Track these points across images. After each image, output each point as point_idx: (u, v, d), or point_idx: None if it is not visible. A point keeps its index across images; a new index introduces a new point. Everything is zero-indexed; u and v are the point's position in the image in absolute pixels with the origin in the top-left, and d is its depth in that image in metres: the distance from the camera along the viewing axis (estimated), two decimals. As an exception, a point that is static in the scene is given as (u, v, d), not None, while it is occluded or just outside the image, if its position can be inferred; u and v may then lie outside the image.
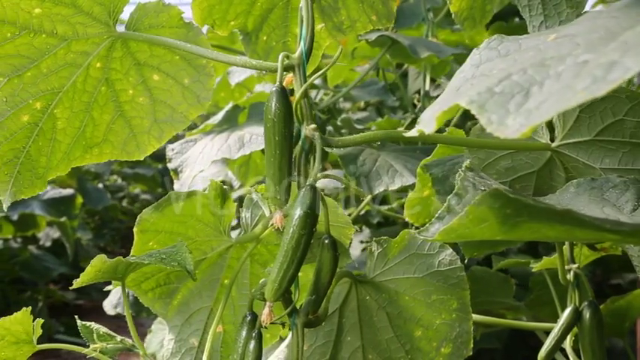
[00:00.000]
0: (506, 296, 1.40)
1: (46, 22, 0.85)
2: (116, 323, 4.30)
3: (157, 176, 6.05)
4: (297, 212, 0.76)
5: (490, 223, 0.56)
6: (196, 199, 1.00)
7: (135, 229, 0.97)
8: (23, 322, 0.80)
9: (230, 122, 1.62)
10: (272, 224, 0.82)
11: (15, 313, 0.81)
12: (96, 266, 0.81)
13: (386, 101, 2.66)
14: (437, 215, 0.63)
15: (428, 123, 0.53)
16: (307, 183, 0.78)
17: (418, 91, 2.50)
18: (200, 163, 1.49)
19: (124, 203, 6.49)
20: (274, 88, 0.80)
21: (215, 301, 1.10)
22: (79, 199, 3.35)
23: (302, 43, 0.82)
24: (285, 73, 0.82)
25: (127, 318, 0.85)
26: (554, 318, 1.44)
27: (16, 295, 3.67)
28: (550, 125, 0.87)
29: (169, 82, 0.96)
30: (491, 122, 0.43)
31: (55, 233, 4.02)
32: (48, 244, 3.94)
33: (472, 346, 1.00)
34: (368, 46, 1.83)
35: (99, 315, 4.43)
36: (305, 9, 0.82)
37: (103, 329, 0.85)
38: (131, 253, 0.98)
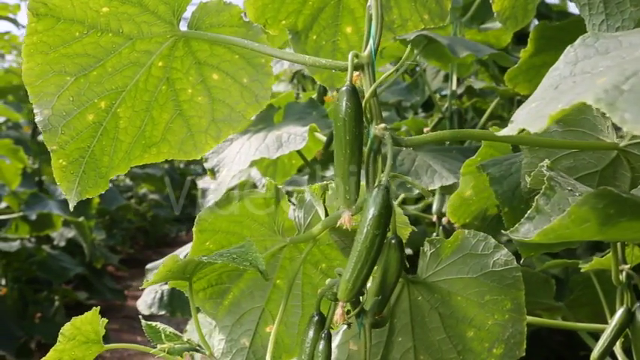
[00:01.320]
0: (547, 297, 1.40)
1: (112, 21, 0.85)
2: (128, 323, 4.31)
3: (163, 176, 6.06)
4: (371, 212, 0.76)
5: (591, 224, 0.56)
6: (254, 199, 1.00)
7: (194, 229, 0.97)
8: (92, 322, 0.80)
9: (265, 122, 1.61)
10: (340, 224, 0.82)
11: (86, 313, 0.81)
12: (168, 266, 0.80)
13: (403, 101, 2.66)
14: (527, 215, 0.63)
15: (533, 122, 0.53)
16: (379, 183, 0.78)
17: (436, 91, 2.50)
18: (238, 162, 1.49)
19: (132, 203, 6.51)
20: (345, 88, 0.80)
21: (267, 301, 1.09)
22: (96, 199, 3.35)
23: (371, 41, 0.82)
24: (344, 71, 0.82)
25: (193, 318, 0.85)
26: (593, 319, 1.44)
27: (33, 294, 3.67)
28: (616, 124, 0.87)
29: (228, 81, 0.96)
30: (625, 120, 0.43)
31: (70, 233, 4.02)
32: (62, 243, 3.93)
33: (525, 346, 0.99)
34: (395, 45, 1.82)
35: (111, 315, 4.44)
36: (375, 7, 0.82)
37: (169, 329, 0.85)
38: (189, 254, 0.98)
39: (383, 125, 0.81)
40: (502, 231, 0.73)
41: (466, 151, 1.55)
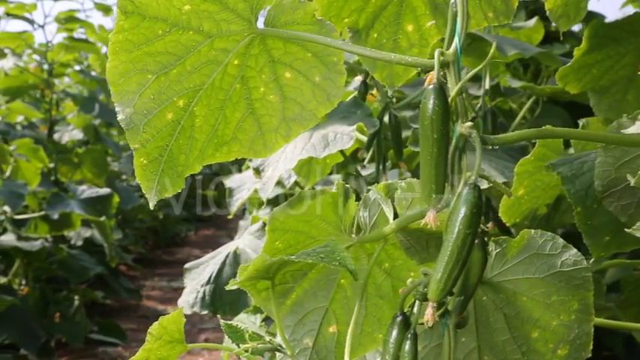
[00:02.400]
0: (598, 297, 1.39)
1: (193, 19, 0.85)
2: (145, 323, 4.32)
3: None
4: (463, 211, 0.76)
5: None
6: (323, 198, 0.99)
7: (267, 228, 0.97)
8: (177, 321, 0.79)
9: (309, 121, 1.60)
10: (425, 223, 0.81)
11: (171, 312, 0.81)
12: (256, 265, 0.80)
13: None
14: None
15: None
16: (470, 182, 0.78)
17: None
18: (284, 162, 1.48)
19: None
20: (432, 86, 0.80)
21: (331, 301, 1.09)
22: (116, 199, 3.35)
23: (456, 38, 0.82)
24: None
25: (275, 318, 0.85)
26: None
27: (52, 294, 3.66)
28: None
29: (300, 79, 0.96)
30: None
31: (87, 232, 4.02)
32: (79, 243, 3.93)
33: (591, 348, 0.99)
34: (437, 45, 1.81)
35: (127, 314, 4.44)
36: (460, 4, 0.81)
37: (251, 329, 0.84)
38: (261, 253, 0.98)
39: (469, 123, 0.80)
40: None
41: (510, 151, 1.55)
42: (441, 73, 0.81)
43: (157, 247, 6.81)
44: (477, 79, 2.08)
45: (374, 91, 1.69)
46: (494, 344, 1.04)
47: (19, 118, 4.15)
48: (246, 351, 0.80)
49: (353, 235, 1.04)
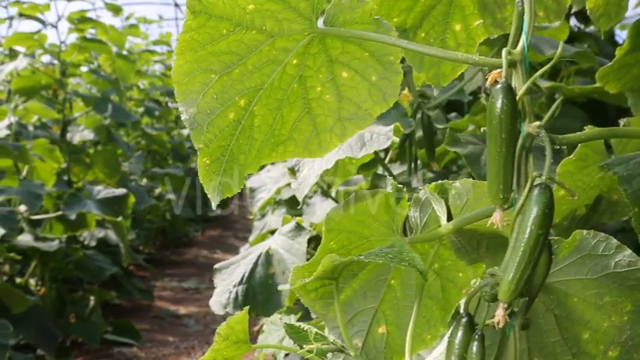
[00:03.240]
0: None
1: (257, 19, 0.84)
2: (158, 323, 4.31)
3: (184, 176, 6.05)
4: (535, 212, 0.75)
5: None
6: (377, 198, 0.99)
7: (323, 229, 0.96)
8: (242, 322, 0.79)
9: (342, 121, 1.60)
10: (491, 223, 0.81)
11: (237, 313, 0.80)
12: (325, 266, 0.80)
13: (445, 101, 2.65)
14: None
15: None
16: (541, 182, 0.77)
17: (474, 92, 2.48)
18: (319, 162, 1.48)
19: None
20: (500, 85, 0.79)
21: (381, 302, 1.08)
22: (132, 199, 3.34)
23: (524, 37, 0.81)
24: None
25: (338, 319, 0.84)
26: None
27: (68, 294, 3.66)
28: None
29: (357, 79, 0.95)
30: None
31: (100, 233, 4.01)
32: (93, 243, 3.92)
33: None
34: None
35: (140, 315, 4.44)
36: (527, 2, 0.81)
37: (314, 329, 0.84)
38: (316, 254, 0.97)
39: (537, 123, 0.80)
40: None
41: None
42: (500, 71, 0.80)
43: (164, 248, 6.81)
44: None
45: (405, 91, 1.69)
46: (544, 345, 1.03)
47: (32, 118, 4.14)
48: (311, 352, 0.79)
49: (406, 236, 1.04)
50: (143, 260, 5.49)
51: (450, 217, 1.00)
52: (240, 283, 1.62)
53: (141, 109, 6.07)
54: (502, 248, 1.11)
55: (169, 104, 7.44)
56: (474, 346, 0.80)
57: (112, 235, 4.08)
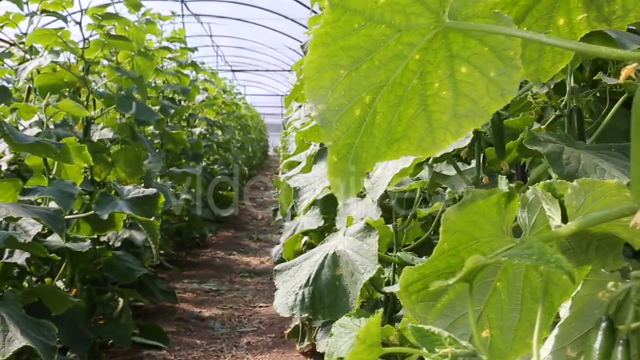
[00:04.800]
0: None
1: (387, 12, 0.81)
2: (183, 326, 4.27)
3: (202, 176, 6.01)
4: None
5: None
6: (491, 198, 0.96)
7: (440, 229, 0.93)
8: (377, 324, 0.76)
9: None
10: (634, 224, 0.78)
11: (372, 315, 0.77)
12: (469, 266, 0.76)
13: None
14: None
15: None
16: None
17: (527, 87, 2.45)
18: (394, 161, 1.44)
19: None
20: (647, 80, 0.76)
21: (485, 305, 1.05)
22: (162, 199, 3.31)
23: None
24: None
25: (471, 320, 0.81)
26: None
27: (97, 295, 3.62)
28: None
29: (475, 74, 0.92)
30: None
31: (125, 233, 3.98)
32: (117, 244, 3.89)
33: None
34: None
35: (164, 317, 4.40)
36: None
37: (446, 333, 0.81)
38: (433, 255, 0.94)
39: (685, 120, 0.77)
40: None
41: (624, 149, 1.51)
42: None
43: (180, 249, 6.76)
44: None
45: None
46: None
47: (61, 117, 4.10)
48: (445, 356, 0.76)
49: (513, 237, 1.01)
50: (165, 262, 5.46)
51: (564, 218, 0.97)
52: (307, 285, 1.59)
53: (156, 107, 6.01)
54: (611, 250, 1.08)
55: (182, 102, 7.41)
56: (619, 353, 0.77)
57: (136, 236, 4.05)
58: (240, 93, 20.69)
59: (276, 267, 1.74)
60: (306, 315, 1.58)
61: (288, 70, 28.65)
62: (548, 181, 1.02)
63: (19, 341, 1.93)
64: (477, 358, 0.79)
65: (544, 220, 1.02)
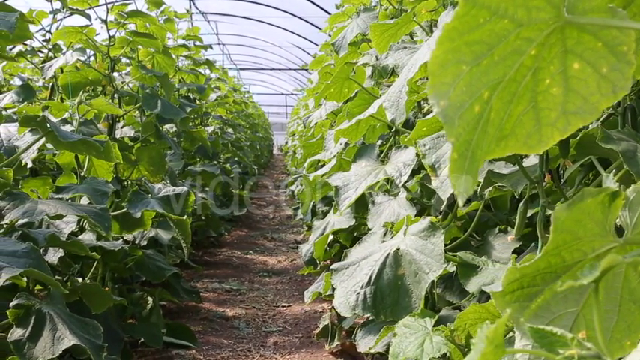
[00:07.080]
0: None
1: (510, 7, 0.79)
2: (209, 325, 4.25)
3: (220, 175, 5.99)
4: None
5: None
6: (598, 197, 0.94)
7: (551, 228, 0.91)
8: (502, 325, 0.74)
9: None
10: None
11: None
12: (604, 266, 0.74)
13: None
14: None
15: None
16: None
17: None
18: (463, 159, 1.42)
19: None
20: None
21: (583, 306, 1.03)
22: (192, 197, 3.29)
23: None
24: None
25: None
26: None
27: (127, 294, 3.61)
28: None
29: (587, 70, 0.90)
30: None
31: (151, 232, 3.96)
32: (143, 243, 3.88)
33: None
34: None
35: (189, 316, 4.38)
36: None
37: (569, 334, 0.79)
38: (541, 255, 0.92)
39: None
40: None
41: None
42: None
43: (196, 248, 6.74)
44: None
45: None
46: None
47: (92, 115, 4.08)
48: (570, 358, 0.74)
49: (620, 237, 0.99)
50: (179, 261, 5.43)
51: (672, 217, 0.95)
52: (368, 284, 1.57)
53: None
54: None
55: (197, 100, 7.39)
56: None
57: (162, 235, 4.03)
58: (248, 91, 20.67)
59: (332, 266, 1.72)
60: (368, 314, 1.56)
61: (294, 69, 28.63)
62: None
63: (68, 339, 1.92)
64: (602, 359, 0.77)
65: (647, 220, 1.00)
